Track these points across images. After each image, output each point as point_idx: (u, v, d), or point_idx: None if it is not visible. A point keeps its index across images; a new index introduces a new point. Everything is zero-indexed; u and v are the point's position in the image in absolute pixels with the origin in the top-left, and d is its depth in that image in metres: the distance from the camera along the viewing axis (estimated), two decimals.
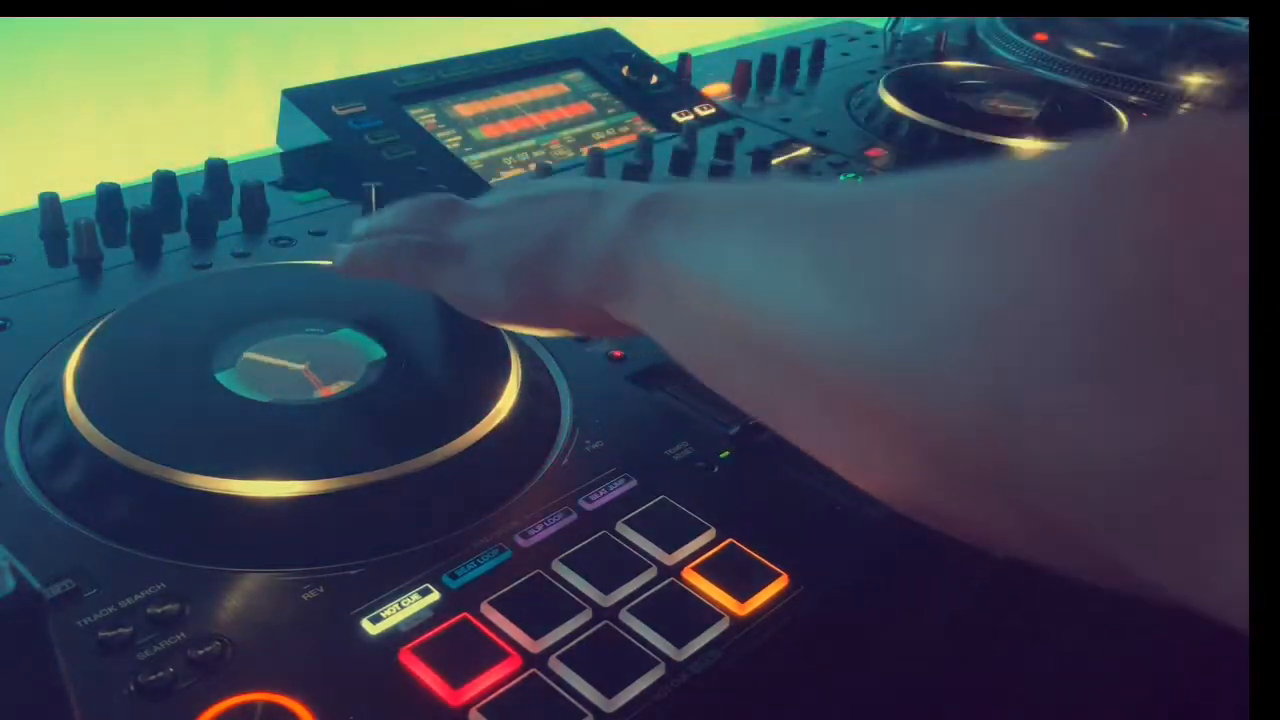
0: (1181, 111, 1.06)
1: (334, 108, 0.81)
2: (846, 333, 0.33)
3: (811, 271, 0.34)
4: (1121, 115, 0.98)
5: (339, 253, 0.56)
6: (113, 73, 0.88)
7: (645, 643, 0.43)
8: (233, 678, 0.40)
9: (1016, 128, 0.93)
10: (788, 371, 0.36)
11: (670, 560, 0.47)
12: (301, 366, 0.54)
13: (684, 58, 1.02)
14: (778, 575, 0.47)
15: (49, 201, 0.67)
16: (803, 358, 0.35)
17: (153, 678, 0.39)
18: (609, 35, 1.01)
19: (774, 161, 0.85)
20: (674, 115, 0.93)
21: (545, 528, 0.48)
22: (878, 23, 1.24)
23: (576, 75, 0.95)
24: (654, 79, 0.96)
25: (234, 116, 0.94)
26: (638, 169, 0.80)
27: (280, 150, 0.84)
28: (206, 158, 0.75)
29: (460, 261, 0.51)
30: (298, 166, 0.80)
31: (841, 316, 0.33)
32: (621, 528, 0.49)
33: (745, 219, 0.39)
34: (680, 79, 1.00)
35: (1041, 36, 1.16)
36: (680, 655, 0.43)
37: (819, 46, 1.10)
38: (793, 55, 1.07)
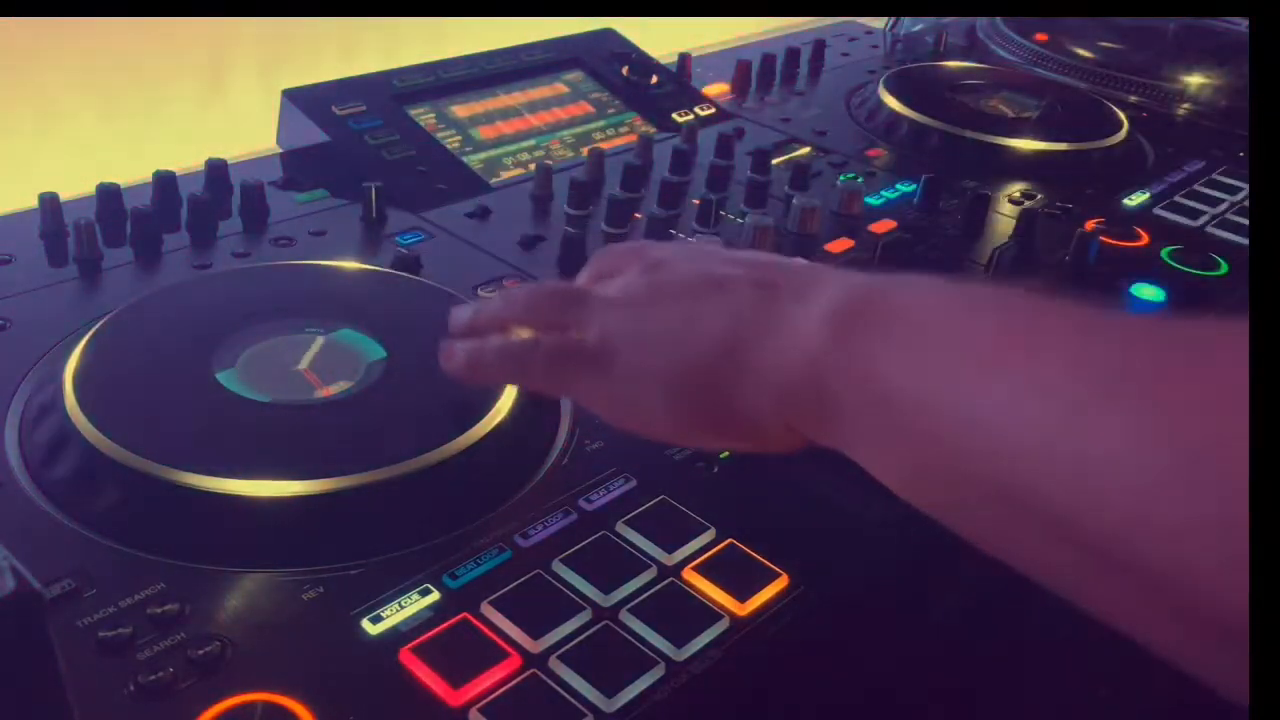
0: (1181, 112, 1.06)
1: (334, 108, 0.81)
2: (1147, 486, 0.28)
3: (1097, 411, 0.30)
4: (1121, 115, 0.98)
5: (451, 353, 0.49)
6: (113, 73, 0.88)
7: (645, 643, 0.43)
8: (233, 678, 0.40)
9: (1016, 128, 0.93)
10: (1047, 520, 0.31)
11: (670, 560, 0.47)
12: (301, 367, 0.54)
13: (684, 58, 1.02)
14: (778, 575, 0.47)
15: (49, 201, 0.67)
16: (1076, 510, 0.30)
17: (153, 678, 0.39)
18: (609, 35, 1.01)
19: (774, 161, 0.85)
20: (674, 115, 0.93)
21: (545, 528, 0.48)
22: (878, 23, 1.24)
23: (576, 75, 0.95)
24: (654, 79, 0.96)
25: (234, 116, 0.94)
26: (638, 169, 0.80)
27: (280, 150, 0.84)
28: (206, 158, 0.75)
29: (604, 366, 0.44)
30: (298, 166, 0.80)
31: (1138, 471, 0.28)
32: (621, 528, 0.49)
33: (978, 332, 0.35)
34: (680, 79, 1.00)
35: (1041, 36, 1.16)
36: (680, 655, 0.43)
37: (819, 46, 1.10)
38: (793, 55, 1.07)
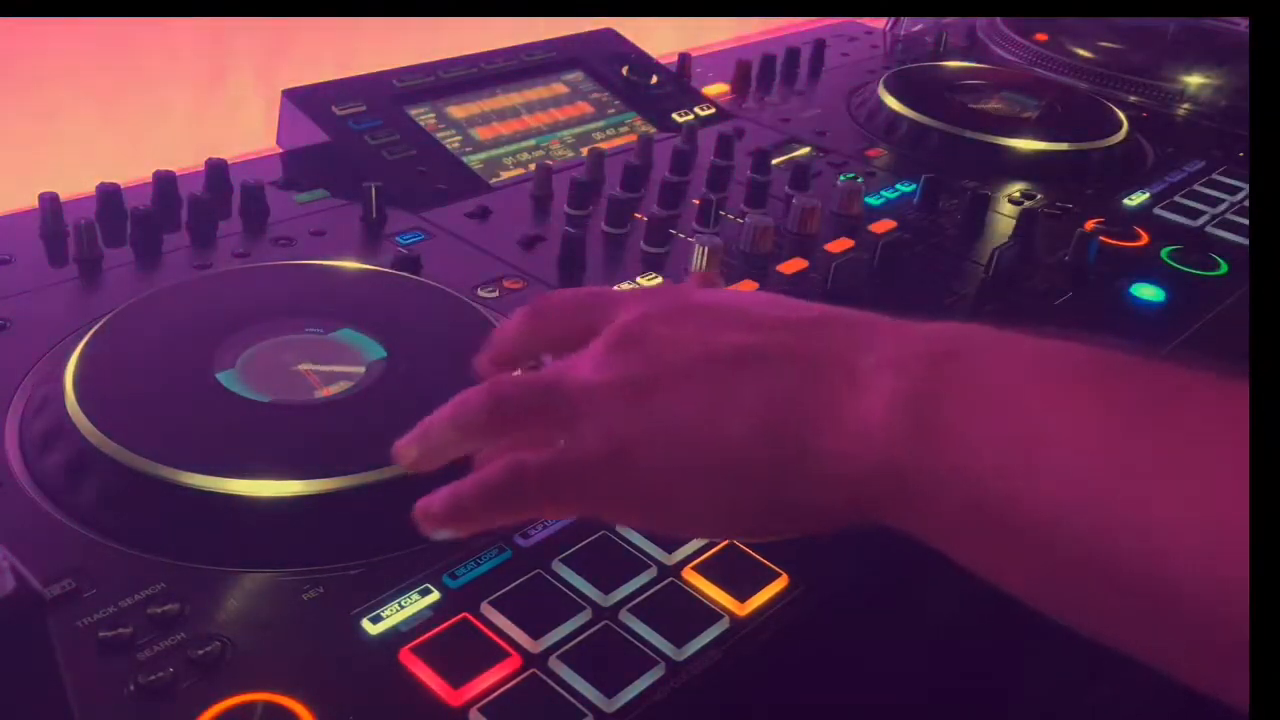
0: (1181, 112, 1.06)
1: (334, 108, 0.81)
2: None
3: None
4: (1121, 115, 0.98)
5: (427, 512, 0.39)
6: (112, 73, 0.88)
7: (645, 643, 0.43)
8: (233, 678, 0.40)
9: (1016, 128, 0.93)
10: (1166, 611, 0.29)
11: (670, 560, 0.47)
12: (301, 367, 0.54)
13: (684, 58, 1.02)
14: (778, 575, 0.47)
15: (49, 201, 0.67)
16: (1194, 598, 0.28)
17: (153, 678, 0.39)
18: (609, 35, 1.01)
19: (774, 161, 0.85)
20: (674, 115, 0.93)
21: (545, 528, 0.48)
22: (878, 23, 1.24)
23: (576, 75, 0.95)
24: (654, 79, 0.96)
25: (234, 116, 0.94)
26: (638, 169, 0.80)
27: (280, 150, 0.84)
28: (206, 158, 0.75)
29: (621, 473, 0.37)
30: (298, 166, 0.80)
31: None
32: (622, 528, 0.49)
33: (1076, 392, 0.32)
34: (680, 79, 1.00)
35: (1041, 36, 1.16)
36: (680, 655, 0.43)
37: (819, 46, 1.10)
38: (793, 55, 1.07)
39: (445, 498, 0.39)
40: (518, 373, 0.43)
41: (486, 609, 0.44)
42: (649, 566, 0.47)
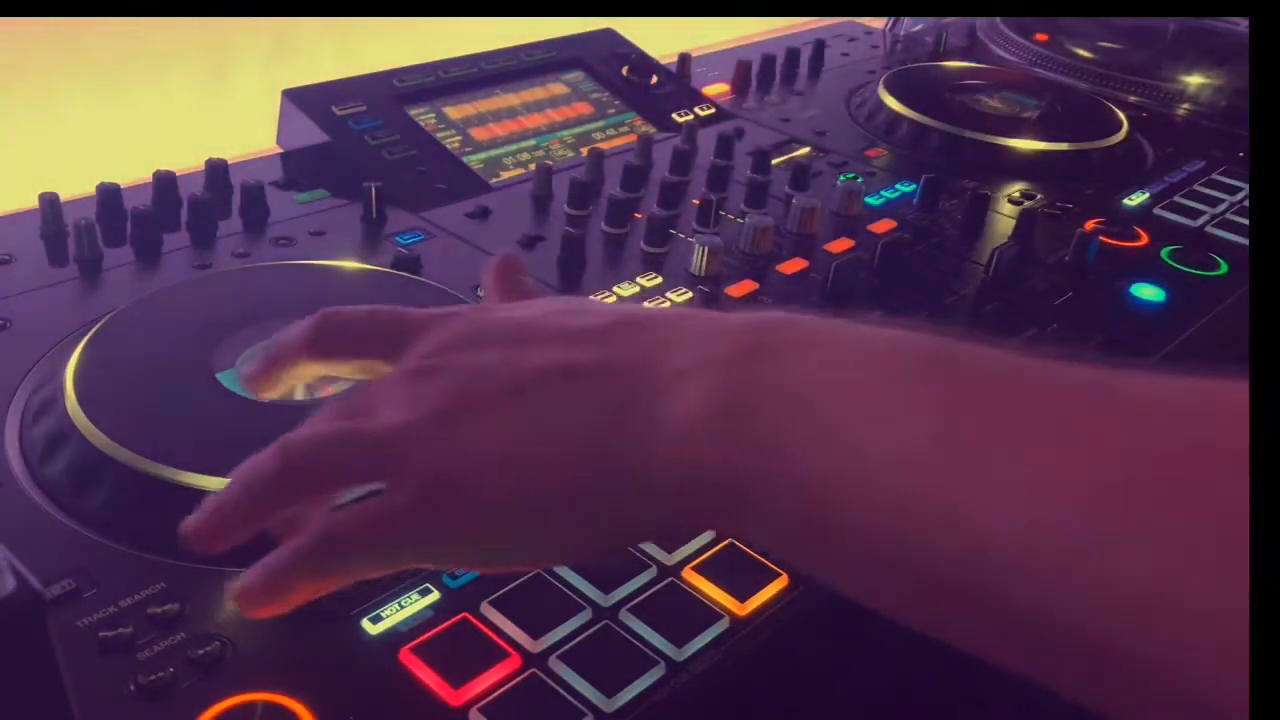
0: (1181, 112, 1.06)
1: (334, 108, 0.81)
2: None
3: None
4: (1121, 115, 0.98)
5: (243, 600, 0.36)
6: (113, 73, 0.88)
7: (645, 643, 0.43)
8: (233, 678, 0.40)
9: (1016, 128, 0.93)
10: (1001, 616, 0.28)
11: (670, 560, 0.47)
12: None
13: (684, 58, 1.02)
14: (777, 575, 0.47)
15: (49, 201, 0.67)
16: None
17: (153, 678, 0.39)
18: (609, 35, 1.01)
19: (774, 161, 0.85)
20: (674, 115, 0.93)
21: None
22: (878, 23, 1.24)
23: (576, 75, 0.95)
24: (654, 79, 0.96)
25: (234, 116, 0.94)
26: (638, 169, 0.80)
27: (280, 150, 0.84)
28: (206, 158, 0.75)
29: (452, 506, 0.34)
30: (298, 166, 0.80)
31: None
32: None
33: (912, 401, 0.30)
34: (680, 79, 1.00)
35: (1041, 36, 1.16)
36: (680, 655, 0.43)
37: (819, 46, 1.10)
38: (793, 55, 1.07)
39: (260, 575, 0.35)
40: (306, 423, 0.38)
41: (486, 609, 0.44)
42: (649, 566, 0.47)
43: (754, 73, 1.04)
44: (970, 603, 0.28)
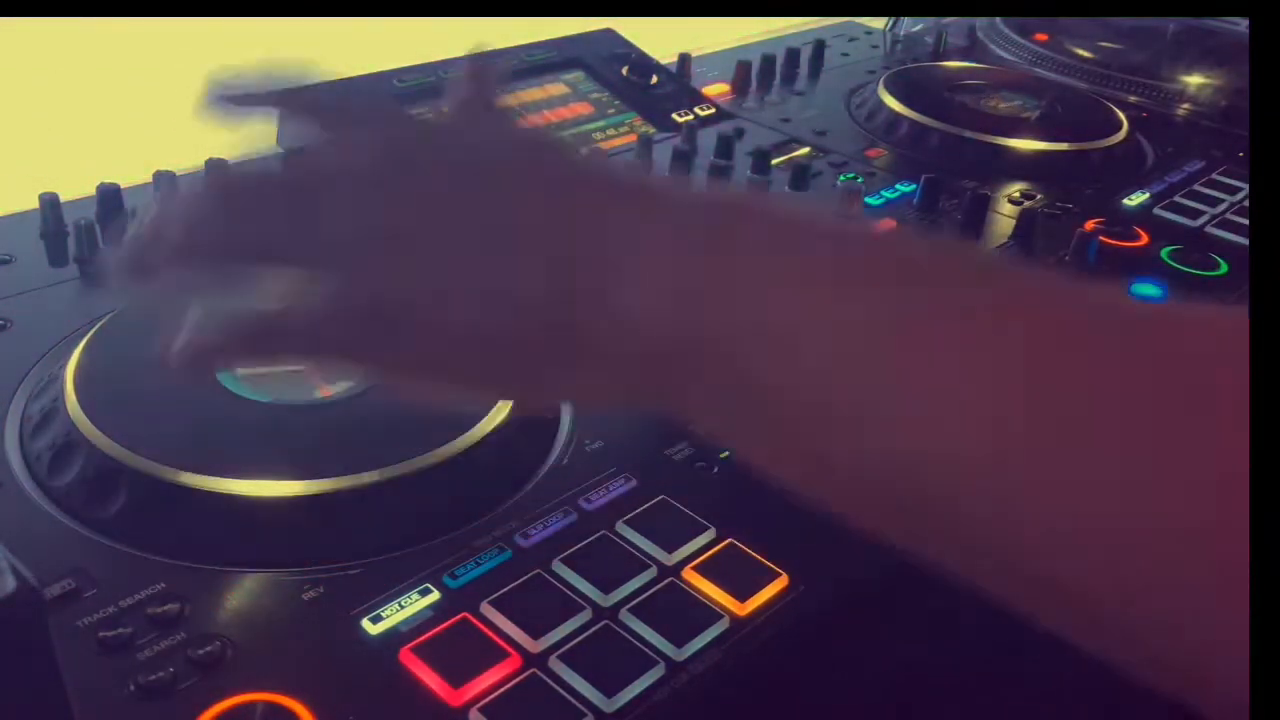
0: (1181, 112, 1.06)
1: None
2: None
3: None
4: (1121, 115, 0.98)
5: (178, 354, 0.37)
6: (113, 73, 0.88)
7: (645, 643, 0.43)
8: (233, 678, 0.40)
9: (1016, 128, 0.93)
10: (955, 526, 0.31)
11: (670, 560, 0.47)
12: (301, 366, 0.54)
13: (684, 58, 1.02)
14: (778, 575, 0.47)
15: (49, 201, 0.67)
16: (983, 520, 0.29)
17: (153, 678, 0.39)
18: (609, 35, 1.01)
19: (774, 161, 0.85)
20: (674, 115, 0.93)
21: (545, 528, 0.48)
22: (878, 23, 1.24)
23: (576, 75, 0.95)
24: (654, 79, 0.96)
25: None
26: (637, 169, 0.80)
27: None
28: (206, 158, 0.75)
29: (387, 323, 0.34)
30: None
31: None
32: (621, 528, 0.49)
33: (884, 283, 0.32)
34: (680, 79, 0.99)
35: (1041, 36, 1.16)
36: (680, 655, 0.43)
37: (819, 46, 1.10)
38: (793, 55, 1.07)
39: (191, 344, 0.37)
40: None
41: (486, 609, 0.44)
42: (649, 566, 0.47)
43: (754, 73, 1.04)
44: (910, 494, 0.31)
